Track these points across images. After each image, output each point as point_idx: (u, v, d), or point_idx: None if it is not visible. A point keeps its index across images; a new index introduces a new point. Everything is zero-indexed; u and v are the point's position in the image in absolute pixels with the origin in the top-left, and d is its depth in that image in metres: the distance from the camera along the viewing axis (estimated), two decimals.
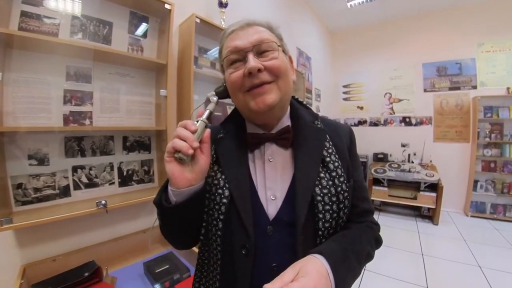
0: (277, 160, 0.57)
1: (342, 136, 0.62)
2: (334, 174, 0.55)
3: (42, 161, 1.15)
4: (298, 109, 0.63)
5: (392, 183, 3.55)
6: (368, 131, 4.30)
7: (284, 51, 0.58)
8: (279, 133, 0.57)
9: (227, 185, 0.54)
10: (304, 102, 0.67)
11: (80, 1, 1.22)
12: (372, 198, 3.62)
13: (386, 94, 4.15)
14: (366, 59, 4.33)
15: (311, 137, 0.58)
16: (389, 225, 3.26)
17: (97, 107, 1.30)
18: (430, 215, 3.34)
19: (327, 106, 4.30)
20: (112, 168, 1.39)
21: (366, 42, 4.33)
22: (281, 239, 0.52)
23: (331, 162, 0.56)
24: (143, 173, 1.53)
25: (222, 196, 0.53)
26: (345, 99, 4.57)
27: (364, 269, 2.24)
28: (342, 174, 0.56)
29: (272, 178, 0.55)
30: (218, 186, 0.55)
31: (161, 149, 1.54)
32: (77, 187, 1.26)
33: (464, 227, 3.11)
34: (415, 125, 3.93)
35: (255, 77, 0.51)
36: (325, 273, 0.44)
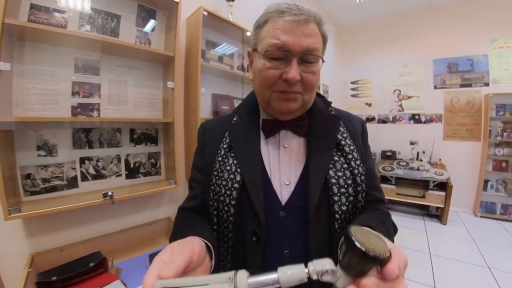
0: (292, 147, 0.57)
1: (355, 124, 0.63)
2: (350, 157, 0.55)
3: (50, 152, 1.16)
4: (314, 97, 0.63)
5: (400, 181, 3.49)
6: (376, 128, 4.23)
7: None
8: (294, 120, 0.57)
9: (238, 170, 0.54)
10: (317, 90, 0.65)
11: None
12: None
13: (395, 90, 4.07)
14: (375, 55, 4.24)
15: (325, 122, 0.59)
16: (396, 224, 3.20)
17: (105, 99, 1.31)
18: (438, 215, 3.29)
19: (335, 103, 4.04)
20: (119, 160, 1.40)
21: (375, 37, 4.24)
22: (294, 224, 0.51)
23: (346, 145, 0.56)
24: (150, 165, 1.53)
25: (234, 181, 0.53)
26: (353, 95, 4.50)
27: None
28: (358, 157, 0.56)
29: (286, 164, 0.55)
30: (230, 172, 0.55)
31: (169, 142, 1.54)
32: (84, 178, 1.27)
33: (473, 228, 3.05)
34: (425, 122, 3.84)
35: (290, 86, 0.50)
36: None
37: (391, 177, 3.48)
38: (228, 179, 0.54)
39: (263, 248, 0.50)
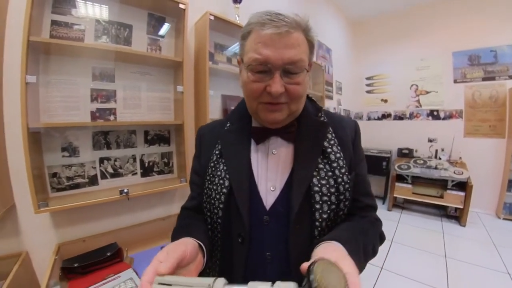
0: (280, 153, 0.58)
1: (346, 129, 0.62)
2: (335, 165, 0.55)
3: (73, 153, 1.29)
4: (305, 103, 0.62)
5: (417, 180, 3.38)
6: (392, 125, 4.10)
7: (309, 64, 0.55)
8: (283, 127, 0.58)
9: (227, 176, 0.57)
10: (310, 95, 0.67)
11: (103, 8, 1.32)
12: (394, 195, 3.49)
13: (412, 85, 3.90)
14: (391, 49, 4.09)
15: (313, 129, 0.59)
16: (411, 224, 3.13)
17: (121, 104, 1.42)
18: (457, 216, 3.15)
19: (349, 99, 4.16)
20: (134, 159, 1.51)
21: (390, 31, 4.08)
22: (277, 229, 0.53)
23: (332, 153, 0.57)
24: (163, 164, 1.63)
25: (223, 186, 0.57)
26: (368, 91, 4.37)
27: (381, 268, 2.20)
28: (344, 165, 0.56)
29: (274, 170, 0.57)
30: (220, 177, 0.58)
31: (180, 142, 1.62)
32: (103, 176, 1.40)
33: (495, 230, 2.89)
34: (444, 119, 3.66)
35: (274, 98, 0.51)
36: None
37: (407, 175, 3.38)
38: (218, 184, 0.58)
39: (247, 249, 0.54)
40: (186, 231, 0.54)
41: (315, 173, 0.54)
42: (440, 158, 3.49)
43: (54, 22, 1.16)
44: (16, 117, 1.00)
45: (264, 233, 0.54)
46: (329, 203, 0.53)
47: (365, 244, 0.53)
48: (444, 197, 3.10)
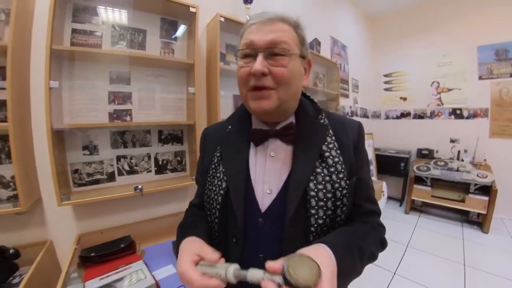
0: (279, 155, 0.58)
1: (348, 132, 0.61)
2: (332, 169, 0.54)
3: (93, 151, 1.40)
4: (304, 104, 0.63)
5: (437, 183, 3.23)
6: (411, 124, 3.93)
7: (302, 56, 0.56)
8: (282, 129, 0.58)
9: (225, 178, 0.58)
10: (312, 97, 0.67)
11: (118, 14, 1.41)
12: (412, 198, 3.35)
13: (433, 83, 3.70)
14: (410, 44, 3.90)
15: (312, 132, 0.58)
16: (430, 229, 2.99)
17: (136, 105, 1.50)
18: (479, 222, 2.98)
19: (366, 97, 4.04)
20: (149, 158, 1.60)
21: (409, 25, 3.89)
22: (272, 231, 0.54)
23: (331, 157, 0.56)
24: (176, 162, 1.71)
25: (220, 188, 0.58)
26: (386, 89, 4.21)
27: (394, 273, 2.14)
28: (342, 170, 0.55)
29: (271, 173, 0.57)
30: (219, 179, 0.60)
31: (192, 141, 1.68)
32: (120, 173, 1.49)
33: None
34: (467, 118, 3.44)
35: (258, 80, 0.52)
36: (332, 258, 0.45)
37: (426, 177, 3.24)
38: (217, 185, 0.59)
39: (241, 249, 0.55)
40: (191, 230, 0.59)
41: (312, 177, 0.53)
42: (462, 160, 3.30)
43: (74, 31, 1.27)
44: (41, 118, 1.11)
45: (259, 235, 0.55)
46: (325, 208, 0.52)
47: (360, 247, 0.52)
48: (465, 202, 2.94)
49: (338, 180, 0.54)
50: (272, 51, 0.51)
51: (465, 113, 3.46)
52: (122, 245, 1.14)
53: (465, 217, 3.17)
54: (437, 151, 3.62)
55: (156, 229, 1.54)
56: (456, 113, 3.54)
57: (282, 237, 0.52)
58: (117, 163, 1.48)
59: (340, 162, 0.56)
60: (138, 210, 1.54)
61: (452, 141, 3.51)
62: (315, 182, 0.53)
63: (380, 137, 4.14)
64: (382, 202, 2.78)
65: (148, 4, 1.42)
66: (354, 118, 3.75)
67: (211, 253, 0.48)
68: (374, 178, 3.63)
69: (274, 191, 0.56)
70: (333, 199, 0.53)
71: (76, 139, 1.34)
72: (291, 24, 0.55)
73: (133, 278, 0.92)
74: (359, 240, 0.53)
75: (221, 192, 0.58)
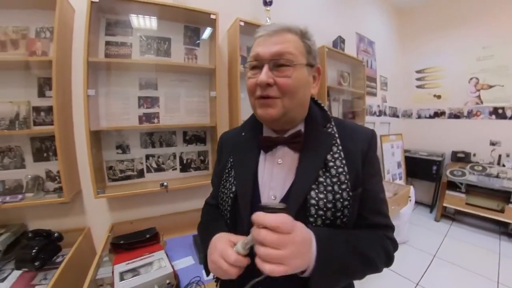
0: (286, 163, 0.59)
1: (358, 141, 0.60)
2: (335, 180, 0.54)
3: (125, 150, 1.56)
4: (314, 112, 0.64)
5: (472, 189, 2.96)
6: (446, 124, 3.62)
7: (310, 64, 0.57)
8: (290, 137, 0.60)
9: (234, 182, 0.62)
10: (322, 104, 0.67)
11: (145, 26, 1.55)
12: (444, 205, 3.12)
13: (471, 79, 3.34)
14: (445, 38, 3.56)
15: (318, 141, 0.59)
16: (461, 239, 2.77)
17: (163, 109, 1.64)
18: None
19: (396, 96, 3.84)
20: (175, 157, 1.73)
21: (443, 17, 3.55)
22: None
23: (335, 167, 0.56)
24: (199, 162, 1.82)
25: (230, 191, 0.62)
26: (418, 86, 3.92)
27: (417, 284, 2.03)
28: (345, 181, 0.55)
29: (277, 179, 0.59)
30: (230, 183, 0.63)
31: (214, 142, 1.77)
32: (149, 170, 1.65)
33: None
34: (511, 118, 3.09)
35: (263, 90, 0.54)
36: (309, 240, 0.46)
37: (461, 183, 3.00)
38: (228, 189, 0.63)
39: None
40: (216, 227, 0.62)
41: (314, 186, 0.54)
42: (503, 165, 2.98)
43: (107, 43, 1.43)
44: (81, 122, 1.29)
45: None
46: (323, 217, 0.53)
47: (354, 245, 0.52)
48: (505, 212, 2.66)
49: (340, 191, 0.54)
50: (277, 62, 0.53)
51: (509, 113, 3.09)
52: (147, 236, 1.27)
53: (503, 229, 2.86)
54: (474, 155, 3.31)
55: (179, 222, 1.66)
56: (498, 113, 3.17)
57: None
58: (146, 161, 1.64)
59: (344, 173, 0.55)
60: (163, 205, 1.68)
61: (493, 143, 3.18)
62: (316, 191, 0.54)
63: (410, 138, 3.91)
64: (408, 208, 2.63)
65: (172, 14, 1.53)
66: (383, 117, 3.61)
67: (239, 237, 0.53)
68: (401, 182, 3.46)
69: (278, 197, 0.58)
70: (333, 210, 0.53)
71: (111, 139, 1.51)
72: (298, 34, 0.56)
73: (154, 265, 1.04)
74: (352, 236, 0.53)
75: (231, 195, 0.61)
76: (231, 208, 0.62)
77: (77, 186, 1.41)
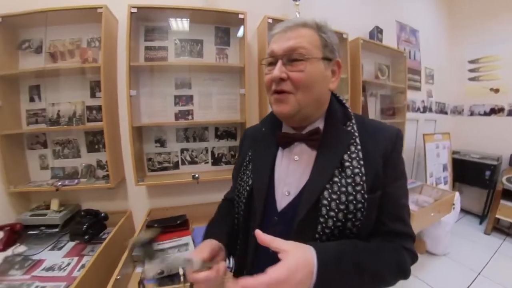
0: (302, 159, 0.59)
1: (380, 141, 0.57)
2: (349, 180, 0.53)
3: (162, 144, 1.73)
4: (334, 109, 0.62)
5: None
6: (505, 123, 3.13)
7: (327, 58, 0.56)
8: (307, 134, 0.60)
9: (251, 176, 0.64)
10: (344, 101, 0.66)
11: (179, 30, 1.68)
12: (497, 216, 2.72)
13: None
14: (504, 22, 3.06)
15: (336, 139, 0.57)
16: None
17: (196, 106, 1.77)
18: None
19: (444, 89, 3.44)
20: (207, 151, 1.86)
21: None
22: (284, 231, 0.55)
23: (351, 167, 0.54)
24: (230, 156, 1.92)
25: (247, 184, 0.64)
26: (471, 78, 3.45)
27: None
28: (361, 182, 0.52)
29: (292, 176, 0.59)
30: (247, 176, 0.65)
31: None
32: (183, 163, 1.80)
33: None
34: None
35: (277, 84, 0.55)
36: (309, 265, 0.43)
37: None
38: (245, 182, 0.65)
39: (256, 242, 0.58)
40: (216, 230, 0.68)
41: (328, 186, 0.53)
42: None
43: (146, 48, 1.60)
44: (125, 119, 1.47)
45: (273, 231, 0.56)
46: (335, 219, 0.51)
47: (359, 262, 0.49)
48: None
49: (353, 193, 0.52)
50: (290, 57, 0.54)
51: None
52: (178, 222, 1.43)
53: None
54: None
55: (207, 212, 1.70)
56: None
57: (290, 238, 0.53)
58: (181, 155, 1.79)
59: (360, 174, 0.53)
60: (194, 195, 1.82)
61: None
62: (330, 191, 0.52)
63: (460, 138, 3.47)
64: (452, 217, 2.35)
65: (203, 17, 1.64)
66: (428, 114, 3.32)
67: (203, 254, 0.56)
68: (446, 187, 3.12)
69: (292, 194, 0.58)
70: (344, 211, 0.51)
71: (151, 134, 1.69)
72: (313, 28, 0.56)
73: (181, 248, 1.16)
74: (360, 252, 0.51)
75: (247, 188, 0.63)
76: (246, 201, 0.63)
77: (121, 174, 1.62)
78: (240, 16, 1.61)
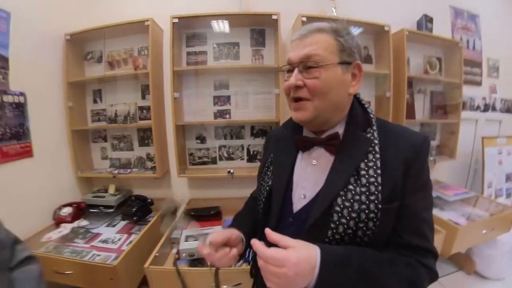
0: (320, 164, 0.59)
1: (402, 149, 0.55)
2: (364, 189, 0.52)
3: (202, 141, 1.90)
4: (356, 114, 0.61)
5: None
6: None
7: (345, 62, 0.56)
8: (326, 138, 0.60)
9: (271, 177, 0.67)
10: (366, 105, 0.64)
11: (217, 34, 1.80)
12: None
13: None
14: None
15: (354, 146, 0.56)
16: None
17: (234, 106, 1.88)
18: None
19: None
20: (243, 148, 1.96)
21: None
22: (296, 232, 0.55)
23: (366, 176, 0.52)
24: None
25: (267, 184, 0.67)
26: None
27: None
28: (376, 192, 0.51)
29: (309, 180, 0.60)
30: (268, 177, 0.68)
31: None
32: (221, 159, 1.94)
33: None
34: None
35: (295, 92, 0.56)
36: (312, 261, 0.45)
37: None
38: (266, 182, 0.68)
39: (268, 241, 0.61)
40: (240, 222, 0.76)
41: (342, 193, 0.52)
42: None
43: (188, 53, 1.78)
44: (170, 117, 1.66)
45: (288, 232, 0.56)
46: (345, 226, 0.51)
47: (366, 270, 0.48)
48: None
49: (367, 202, 0.51)
50: (306, 65, 0.54)
51: None
52: (212, 212, 1.57)
53: None
54: None
55: (240, 206, 1.79)
56: None
57: (300, 240, 0.53)
58: (219, 151, 1.93)
59: (375, 183, 0.51)
60: (229, 189, 1.94)
61: None
62: (343, 198, 0.52)
63: None
64: (511, 236, 2.00)
65: (239, 20, 1.73)
66: (490, 113, 2.86)
67: (218, 237, 0.63)
68: (508, 201, 2.59)
69: (308, 197, 0.59)
70: (356, 219, 0.51)
71: (192, 131, 1.87)
72: (329, 32, 0.56)
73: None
74: (369, 260, 0.49)
75: (267, 188, 0.66)
76: (265, 200, 0.66)
77: (166, 166, 1.83)
78: (274, 17, 1.65)
